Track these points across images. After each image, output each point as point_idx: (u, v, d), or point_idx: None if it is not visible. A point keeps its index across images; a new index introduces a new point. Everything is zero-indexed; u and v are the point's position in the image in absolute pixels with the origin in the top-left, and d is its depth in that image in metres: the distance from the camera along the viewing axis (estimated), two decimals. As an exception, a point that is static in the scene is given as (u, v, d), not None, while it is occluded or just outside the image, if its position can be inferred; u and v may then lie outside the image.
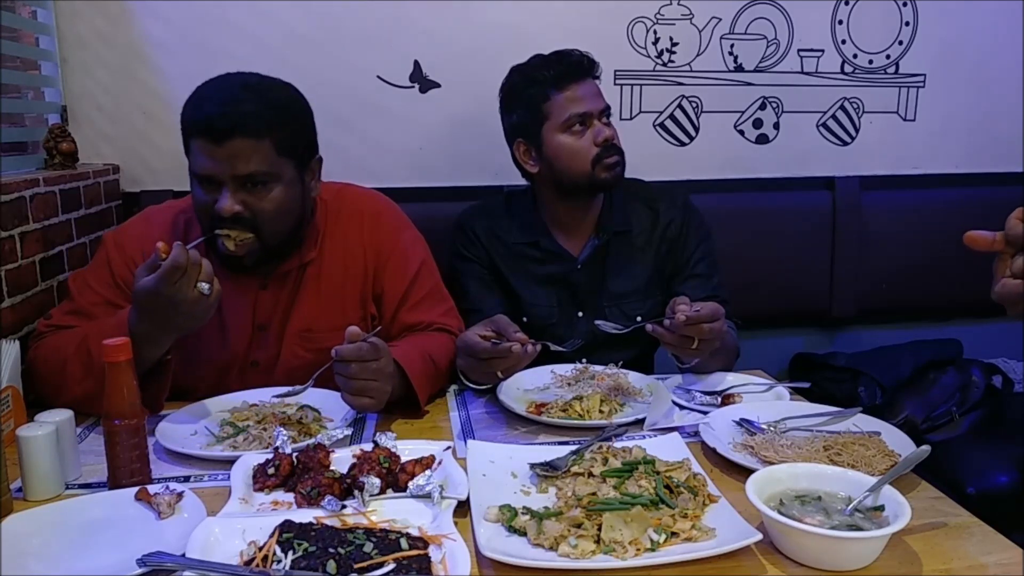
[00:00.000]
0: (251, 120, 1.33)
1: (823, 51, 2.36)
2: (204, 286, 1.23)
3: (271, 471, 1.12)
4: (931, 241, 2.40)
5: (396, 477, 1.10)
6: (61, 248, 1.73)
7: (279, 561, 0.90)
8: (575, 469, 1.12)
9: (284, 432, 1.23)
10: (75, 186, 1.82)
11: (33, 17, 1.99)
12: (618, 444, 1.21)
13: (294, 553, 0.91)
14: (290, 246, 1.49)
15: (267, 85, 1.40)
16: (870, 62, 2.39)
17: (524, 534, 0.98)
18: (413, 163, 2.22)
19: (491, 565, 0.92)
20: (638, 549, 0.94)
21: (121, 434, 1.10)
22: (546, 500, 1.08)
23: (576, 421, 1.36)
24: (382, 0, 2.11)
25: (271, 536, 0.94)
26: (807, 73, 2.37)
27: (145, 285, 1.22)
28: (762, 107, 2.37)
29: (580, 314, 1.78)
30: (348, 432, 1.33)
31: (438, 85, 2.19)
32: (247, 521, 0.99)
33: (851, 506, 0.99)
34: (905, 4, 2.36)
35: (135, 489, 1.08)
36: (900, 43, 2.39)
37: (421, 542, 0.95)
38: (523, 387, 1.52)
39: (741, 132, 2.38)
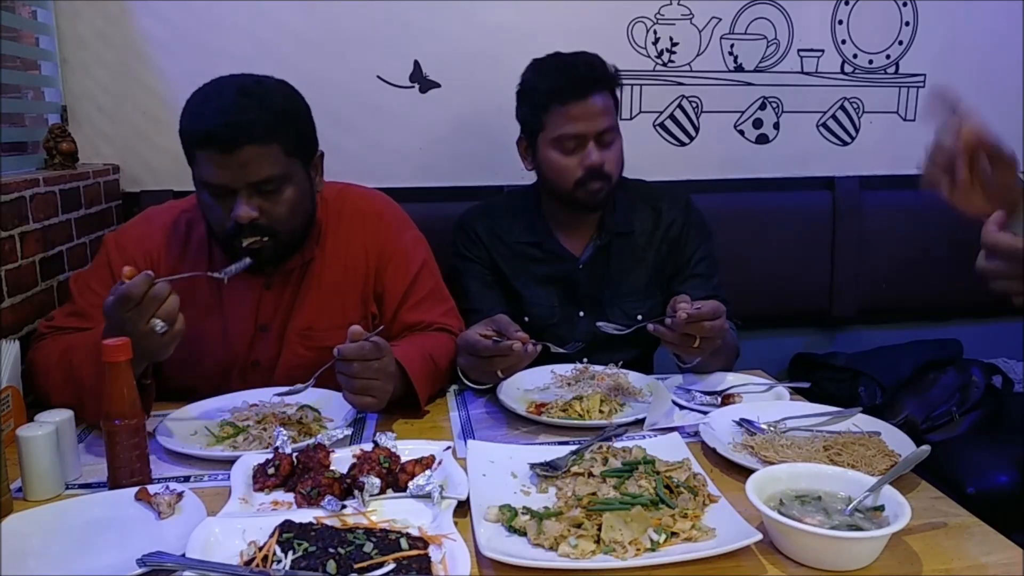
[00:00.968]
0: (257, 127, 1.33)
1: (823, 51, 2.36)
2: (158, 323, 1.16)
3: (271, 471, 1.12)
4: (931, 241, 2.40)
5: (396, 477, 1.10)
6: (61, 248, 1.73)
7: (279, 561, 0.90)
8: (575, 469, 1.12)
9: (284, 432, 1.23)
10: (75, 186, 1.82)
11: (33, 17, 1.99)
12: (618, 444, 1.21)
13: (294, 553, 0.91)
14: (299, 244, 1.49)
15: (264, 88, 1.39)
16: (870, 62, 2.39)
17: (524, 534, 0.98)
18: (413, 163, 2.22)
19: (491, 565, 0.92)
20: (638, 549, 0.94)
21: (121, 434, 1.10)
22: (546, 500, 1.08)
23: (576, 421, 1.36)
24: (382, 0, 2.11)
25: (271, 536, 0.94)
26: (807, 73, 2.37)
27: (104, 307, 1.20)
28: (762, 107, 2.37)
29: (581, 314, 1.78)
30: (348, 432, 1.33)
31: (438, 85, 2.19)
32: (247, 521, 0.99)
33: (851, 506, 0.99)
34: (905, 4, 2.36)
35: (135, 489, 1.08)
36: (900, 43, 2.39)
37: (421, 542, 0.95)
38: (523, 387, 1.52)
39: (741, 132, 2.38)
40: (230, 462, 1.18)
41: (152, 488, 1.08)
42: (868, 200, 2.40)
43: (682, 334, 1.37)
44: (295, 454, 1.16)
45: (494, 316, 1.41)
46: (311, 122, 1.46)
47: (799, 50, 2.34)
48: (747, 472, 1.06)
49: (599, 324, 1.48)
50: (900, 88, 2.42)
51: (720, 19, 2.29)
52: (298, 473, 1.12)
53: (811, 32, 2.34)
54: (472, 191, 2.20)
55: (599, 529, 0.96)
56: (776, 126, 2.39)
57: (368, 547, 0.92)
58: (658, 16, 2.26)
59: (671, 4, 2.26)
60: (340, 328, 1.34)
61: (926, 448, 1.08)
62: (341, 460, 1.17)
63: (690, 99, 2.33)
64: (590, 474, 1.09)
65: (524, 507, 1.02)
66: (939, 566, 0.94)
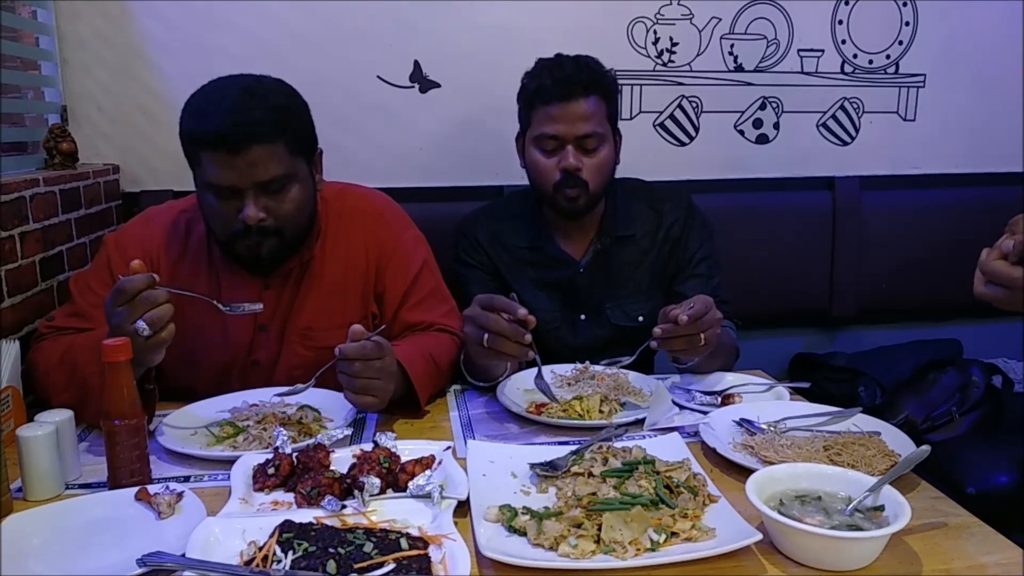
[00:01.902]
0: (263, 127, 1.33)
1: (823, 51, 2.36)
2: (140, 324, 1.14)
3: (271, 471, 1.12)
4: (931, 241, 2.40)
5: (396, 477, 1.10)
6: (61, 248, 1.73)
7: (279, 561, 0.90)
8: (575, 469, 1.12)
9: (284, 432, 1.23)
10: (75, 186, 1.82)
11: (33, 17, 1.99)
12: (618, 444, 1.21)
13: (294, 553, 0.91)
14: (301, 242, 1.50)
15: (266, 88, 1.39)
16: (870, 62, 2.39)
17: (524, 534, 0.98)
18: (413, 163, 2.22)
19: (491, 565, 0.92)
20: (638, 549, 0.94)
21: (121, 434, 1.10)
22: (546, 500, 1.08)
23: (576, 421, 1.36)
24: (382, 0, 2.11)
25: (271, 536, 0.94)
26: (807, 73, 2.37)
27: (105, 300, 1.20)
28: (762, 107, 2.37)
29: (583, 317, 1.78)
30: (348, 432, 1.32)
31: (438, 85, 2.19)
32: (247, 521, 0.99)
33: (851, 506, 0.99)
34: (905, 4, 2.36)
35: (135, 489, 1.08)
36: (900, 43, 2.39)
37: (421, 542, 0.95)
38: (523, 387, 1.52)
39: (741, 132, 2.38)
40: (230, 462, 1.18)
41: (152, 488, 1.08)
42: (868, 200, 2.40)
43: (687, 336, 1.37)
44: (295, 454, 1.16)
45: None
46: (311, 120, 1.47)
47: (799, 50, 2.34)
48: (747, 472, 1.06)
49: (602, 363, 1.51)
50: (900, 88, 2.42)
51: (720, 19, 2.29)
52: (298, 473, 1.12)
53: (811, 32, 2.34)
54: (472, 191, 2.20)
55: (599, 529, 0.96)
56: (776, 126, 2.39)
57: (368, 547, 0.92)
58: (658, 16, 2.26)
59: (671, 4, 2.26)
60: (340, 328, 1.35)
61: (926, 448, 1.08)
62: (341, 460, 1.16)
63: (690, 99, 2.33)
64: (590, 474, 1.09)
65: (524, 507, 1.02)
66: (939, 566, 0.94)
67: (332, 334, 1.41)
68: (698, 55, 2.30)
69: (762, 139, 2.39)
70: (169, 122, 2.06)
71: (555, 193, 1.66)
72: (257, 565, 0.90)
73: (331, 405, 1.41)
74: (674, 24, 2.27)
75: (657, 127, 2.33)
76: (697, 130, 2.36)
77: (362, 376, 1.27)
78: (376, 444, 1.19)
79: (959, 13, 2.38)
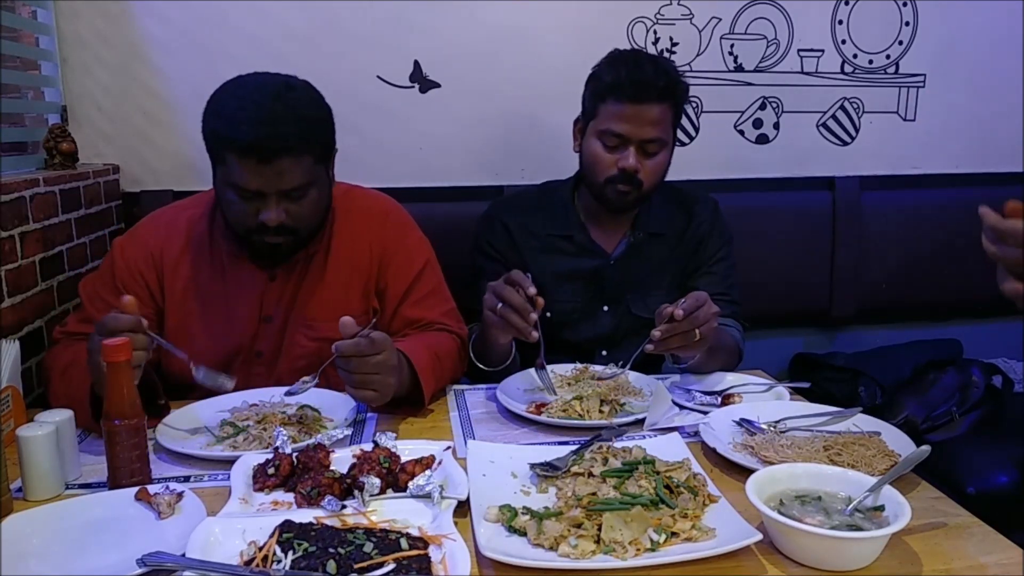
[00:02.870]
0: (296, 141, 1.36)
1: (823, 51, 2.36)
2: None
3: (271, 471, 1.12)
4: (931, 241, 2.40)
5: (396, 477, 1.10)
6: (61, 248, 1.73)
7: (279, 561, 0.90)
8: (575, 469, 1.12)
9: (284, 432, 1.23)
10: (75, 186, 1.82)
11: (33, 17, 1.99)
12: (618, 444, 1.21)
13: (294, 553, 0.91)
14: (313, 237, 1.52)
15: (297, 96, 1.39)
16: (870, 62, 2.39)
17: (524, 534, 0.98)
18: (413, 163, 2.22)
19: (491, 565, 0.92)
20: (638, 549, 0.94)
21: (121, 434, 1.10)
22: (546, 500, 1.08)
23: (576, 421, 1.36)
24: (382, 0, 2.11)
25: (271, 536, 0.94)
26: (807, 73, 2.37)
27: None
28: (762, 107, 2.37)
29: (605, 308, 1.78)
30: (348, 432, 1.33)
31: (438, 85, 2.19)
32: (247, 521, 0.99)
33: (851, 506, 0.99)
34: (905, 4, 2.36)
35: (135, 489, 1.08)
36: (900, 43, 2.39)
37: (421, 542, 0.95)
38: (523, 387, 1.52)
39: (741, 132, 2.38)
40: (230, 462, 1.18)
41: (152, 488, 1.08)
42: (868, 200, 2.40)
43: (682, 334, 1.37)
44: (295, 454, 1.16)
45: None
46: (334, 126, 1.48)
47: (799, 50, 2.34)
48: (747, 472, 1.06)
49: (598, 370, 1.51)
50: (900, 88, 2.42)
51: (720, 19, 2.29)
52: (298, 473, 1.12)
53: (811, 32, 2.34)
54: (472, 191, 2.20)
55: (599, 529, 0.96)
56: (776, 126, 2.39)
57: (368, 547, 0.92)
58: (658, 16, 2.26)
59: (671, 4, 2.26)
60: None
61: (926, 448, 1.08)
62: (341, 460, 1.17)
63: (690, 99, 2.32)
64: (590, 474, 1.09)
65: (524, 507, 1.02)
66: (939, 566, 0.94)
67: (334, 326, 1.42)
68: (698, 55, 2.30)
69: (762, 139, 2.39)
70: (169, 122, 2.09)
71: (605, 185, 1.67)
72: (257, 565, 0.90)
73: (331, 405, 1.41)
74: (674, 24, 2.27)
75: (657, 127, 2.33)
76: (697, 130, 2.36)
77: (359, 372, 1.27)
78: (376, 444, 1.19)
79: (959, 13, 2.38)
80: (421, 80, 2.19)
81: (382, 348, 1.28)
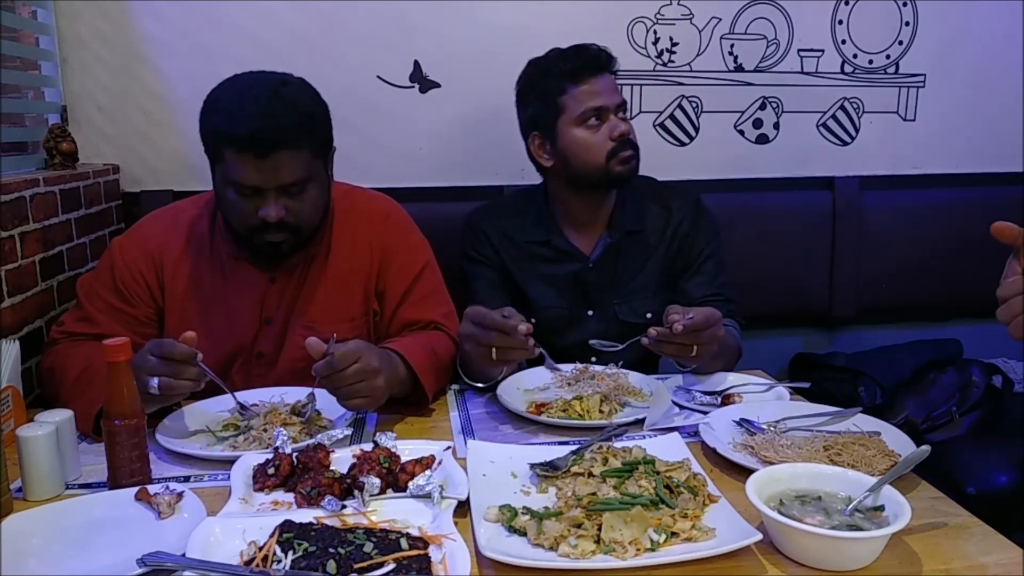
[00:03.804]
0: (294, 133, 1.36)
1: (823, 51, 2.35)
2: (154, 383, 1.20)
3: (271, 471, 1.12)
4: (931, 241, 2.40)
5: (396, 477, 1.10)
6: (61, 248, 1.73)
7: (279, 561, 0.90)
8: (575, 469, 1.12)
9: (284, 432, 1.23)
10: (75, 186, 1.82)
11: (33, 17, 1.99)
12: (618, 444, 1.21)
13: (294, 553, 0.91)
14: (314, 236, 1.52)
15: (293, 91, 1.40)
16: (870, 62, 2.39)
17: (524, 534, 0.98)
18: (413, 163, 2.22)
19: (491, 565, 0.92)
20: (638, 549, 0.94)
21: (121, 434, 1.10)
22: (546, 500, 1.08)
23: (576, 421, 1.36)
24: (382, 0, 2.11)
25: (271, 536, 0.94)
26: (807, 73, 2.37)
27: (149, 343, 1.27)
28: (762, 107, 2.37)
29: (590, 313, 1.78)
30: (348, 432, 1.33)
31: (438, 85, 2.19)
32: (247, 521, 0.99)
33: (851, 506, 0.99)
34: (905, 4, 2.36)
35: (135, 489, 1.08)
36: (900, 43, 2.39)
37: (421, 542, 0.95)
38: (523, 387, 1.52)
39: (741, 132, 2.38)
40: (230, 462, 1.18)
41: (152, 488, 1.08)
42: (868, 200, 2.40)
43: (679, 344, 1.37)
44: (295, 454, 1.16)
45: (504, 308, 1.40)
46: (331, 121, 1.49)
47: (799, 50, 2.34)
48: (747, 472, 1.06)
49: (591, 342, 1.49)
50: (900, 88, 2.42)
51: (720, 19, 2.29)
52: (298, 473, 1.12)
53: (811, 32, 2.33)
54: (472, 191, 2.20)
55: (599, 529, 0.96)
56: (776, 126, 2.39)
57: (368, 547, 0.92)
58: (658, 16, 2.26)
59: (671, 4, 2.26)
60: (343, 322, 1.45)
61: (926, 448, 1.08)
62: (341, 460, 1.17)
63: (690, 99, 2.33)
64: (590, 474, 1.09)
65: (524, 507, 1.02)
66: (939, 566, 0.94)
67: (335, 327, 1.44)
68: (698, 55, 2.30)
69: (762, 139, 2.39)
70: (169, 122, 2.09)
71: (608, 163, 1.67)
72: (257, 565, 0.90)
73: (331, 405, 1.40)
74: (674, 24, 2.27)
75: (657, 127, 2.33)
76: (697, 130, 2.36)
77: (343, 385, 1.27)
78: (376, 444, 1.19)
79: (959, 13, 2.38)
80: (421, 80, 2.19)
81: (356, 357, 1.27)
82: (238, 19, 2.06)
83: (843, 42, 2.36)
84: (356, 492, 1.06)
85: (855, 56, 2.38)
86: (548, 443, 1.30)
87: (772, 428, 1.29)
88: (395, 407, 1.40)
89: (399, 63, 2.17)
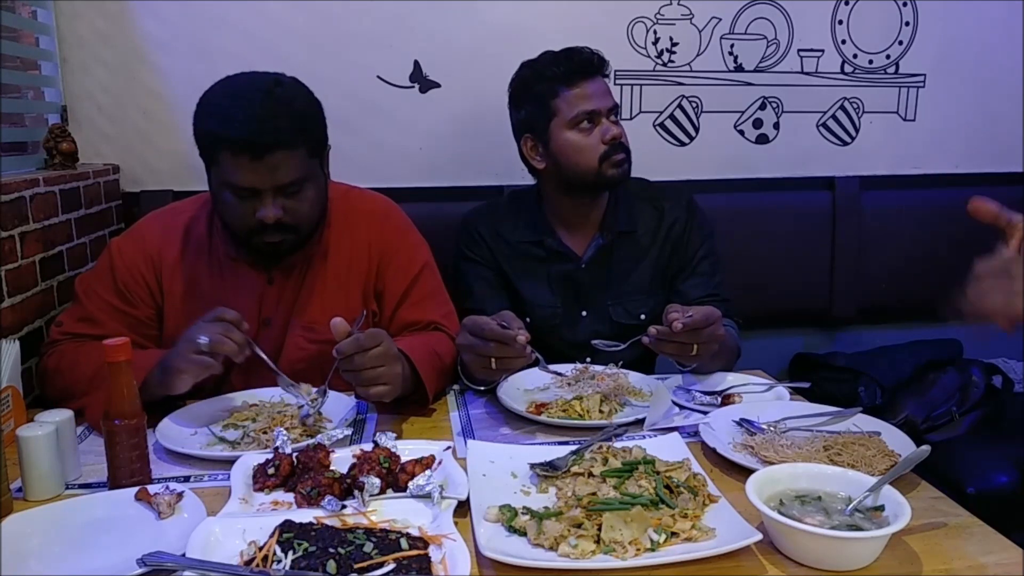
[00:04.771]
0: (287, 133, 1.36)
1: (823, 51, 2.35)
2: (203, 339, 1.27)
3: (271, 471, 1.12)
4: (931, 241, 2.40)
5: (396, 477, 1.10)
6: (61, 248, 1.73)
7: (279, 561, 0.90)
8: (575, 469, 1.12)
9: (284, 432, 1.23)
10: (75, 186, 1.82)
11: (33, 17, 1.99)
12: (618, 444, 1.21)
13: (294, 553, 0.91)
14: (312, 236, 1.52)
15: (287, 91, 1.40)
16: (870, 62, 2.39)
17: (524, 534, 0.98)
18: (413, 163, 2.22)
19: (491, 565, 0.92)
20: (638, 549, 0.94)
21: (121, 434, 1.10)
22: (546, 500, 1.08)
23: (576, 421, 1.36)
24: (382, 0, 2.11)
25: (271, 536, 0.94)
26: (807, 73, 2.37)
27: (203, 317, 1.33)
28: (762, 107, 2.37)
29: (584, 314, 1.78)
30: (348, 432, 1.33)
31: (438, 85, 2.19)
32: (247, 521, 0.99)
33: (851, 506, 0.99)
34: (905, 4, 2.36)
35: (135, 489, 1.08)
36: (900, 43, 2.39)
37: (421, 542, 0.95)
38: (523, 387, 1.52)
39: (741, 132, 2.38)
40: (230, 462, 1.18)
41: (152, 488, 1.08)
42: (868, 200, 2.40)
43: (678, 343, 1.37)
44: (295, 454, 1.16)
45: (501, 312, 1.41)
46: (325, 120, 1.49)
47: (799, 50, 2.34)
48: (747, 472, 1.06)
49: (594, 343, 1.49)
50: (900, 88, 2.42)
51: (720, 19, 2.29)
52: (298, 473, 1.12)
53: (811, 32, 2.34)
54: (472, 191, 2.20)
55: (599, 529, 0.96)
56: (776, 126, 2.39)
57: (368, 547, 0.92)
58: (658, 16, 2.26)
59: (671, 4, 2.26)
60: None
61: (926, 448, 1.08)
62: (341, 460, 1.17)
63: (690, 99, 2.33)
64: (590, 474, 1.09)
65: (524, 507, 1.02)
66: (939, 566, 0.94)
67: None
68: (698, 55, 2.30)
69: (762, 139, 2.39)
70: (169, 122, 2.08)
71: (601, 165, 1.67)
72: (257, 565, 0.90)
73: (331, 405, 1.41)
74: (674, 24, 2.27)
75: (657, 127, 2.33)
76: (697, 130, 2.36)
77: (366, 367, 1.27)
78: (376, 444, 1.19)
79: (959, 13, 2.38)
80: (421, 80, 2.19)
81: (380, 339, 1.28)
82: (238, 19, 2.06)
83: (843, 42, 2.36)
84: (356, 492, 1.06)
85: (855, 56, 2.38)
86: (548, 443, 1.30)
87: (772, 428, 1.29)
88: (396, 407, 1.40)
89: (399, 63, 2.17)
